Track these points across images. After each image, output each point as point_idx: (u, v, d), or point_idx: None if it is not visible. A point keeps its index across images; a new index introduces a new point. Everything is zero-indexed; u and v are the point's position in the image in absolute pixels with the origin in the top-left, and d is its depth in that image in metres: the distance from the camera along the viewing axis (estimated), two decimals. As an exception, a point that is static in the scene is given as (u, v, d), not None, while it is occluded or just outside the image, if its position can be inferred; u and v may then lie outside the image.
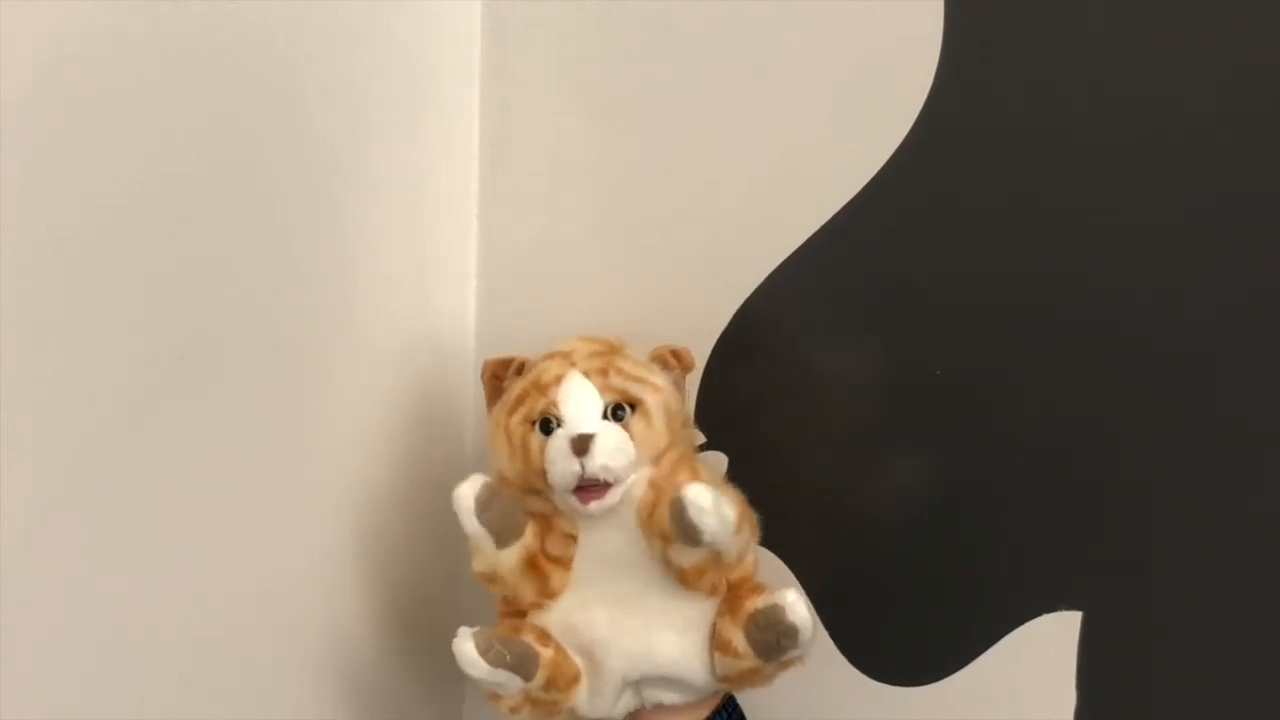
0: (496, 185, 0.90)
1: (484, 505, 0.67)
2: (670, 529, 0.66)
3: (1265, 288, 0.67)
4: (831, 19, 0.77)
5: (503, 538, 0.68)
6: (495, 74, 0.89)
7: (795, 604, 0.67)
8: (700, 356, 0.81)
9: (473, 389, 0.90)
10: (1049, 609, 0.74)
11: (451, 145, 0.89)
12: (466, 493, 0.67)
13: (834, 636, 0.80)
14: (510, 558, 0.69)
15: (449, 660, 0.67)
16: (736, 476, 0.74)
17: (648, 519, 0.69)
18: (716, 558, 0.68)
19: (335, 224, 0.78)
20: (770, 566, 0.80)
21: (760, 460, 0.72)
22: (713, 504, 0.65)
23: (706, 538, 0.65)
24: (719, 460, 0.81)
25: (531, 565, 0.70)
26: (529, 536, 0.70)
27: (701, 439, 0.80)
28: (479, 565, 0.70)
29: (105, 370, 0.61)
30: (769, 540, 0.74)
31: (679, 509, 0.65)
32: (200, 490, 0.68)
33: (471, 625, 0.68)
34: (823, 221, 0.78)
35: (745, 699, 0.75)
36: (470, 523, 0.67)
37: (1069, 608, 0.73)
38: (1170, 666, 0.71)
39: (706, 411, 0.78)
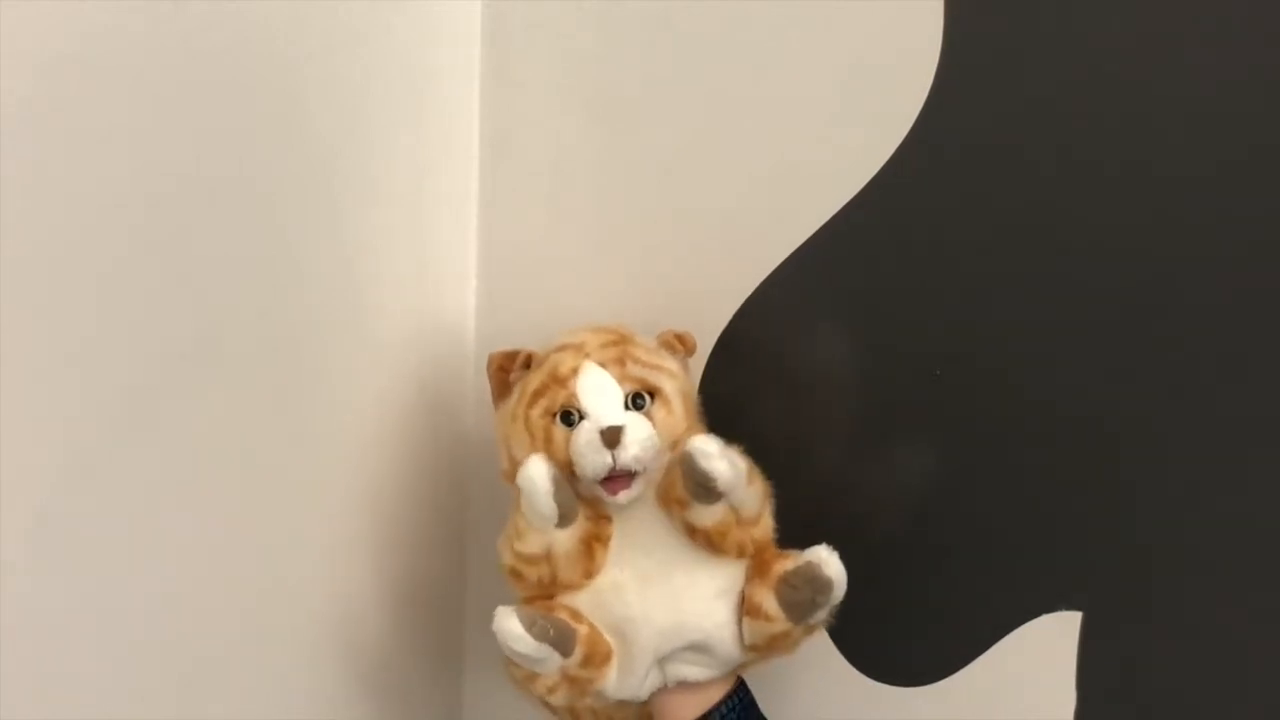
0: (496, 185, 0.90)
1: (558, 485, 0.68)
2: (685, 486, 0.67)
3: (1264, 288, 0.67)
4: (831, 20, 0.77)
5: (566, 518, 0.69)
6: (495, 74, 0.89)
7: (829, 559, 0.68)
8: (700, 356, 0.81)
9: (472, 388, 0.90)
10: (1049, 609, 0.74)
11: (451, 145, 0.89)
12: (541, 474, 0.67)
13: (834, 636, 0.80)
14: (570, 538, 0.69)
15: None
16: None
17: (665, 494, 0.69)
18: (735, 514, 0.68)
19: (335, 224, 0.78)
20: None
21: (760, 460, 0.72)
22: (720, 450, 0.66)
23: (721, 485, 0.65)
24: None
25: (585, 545, 0.70)
26: (582, 518, 0.70)
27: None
28: (530, 546, 0.70)
29: (105, 370, 0.61)
30: (769, 540, 0.74)
31: (689, 461, 0.66)
32: (202, 490, 0.68)
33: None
34: (823, 221, 0.78)
35: (745, 699, 0.75)
36: (546, 502, 0.67)
37: (1069, 608, 0.73)
38: (1170, 666, 0.71)
39: (707, 411, 0.77)
